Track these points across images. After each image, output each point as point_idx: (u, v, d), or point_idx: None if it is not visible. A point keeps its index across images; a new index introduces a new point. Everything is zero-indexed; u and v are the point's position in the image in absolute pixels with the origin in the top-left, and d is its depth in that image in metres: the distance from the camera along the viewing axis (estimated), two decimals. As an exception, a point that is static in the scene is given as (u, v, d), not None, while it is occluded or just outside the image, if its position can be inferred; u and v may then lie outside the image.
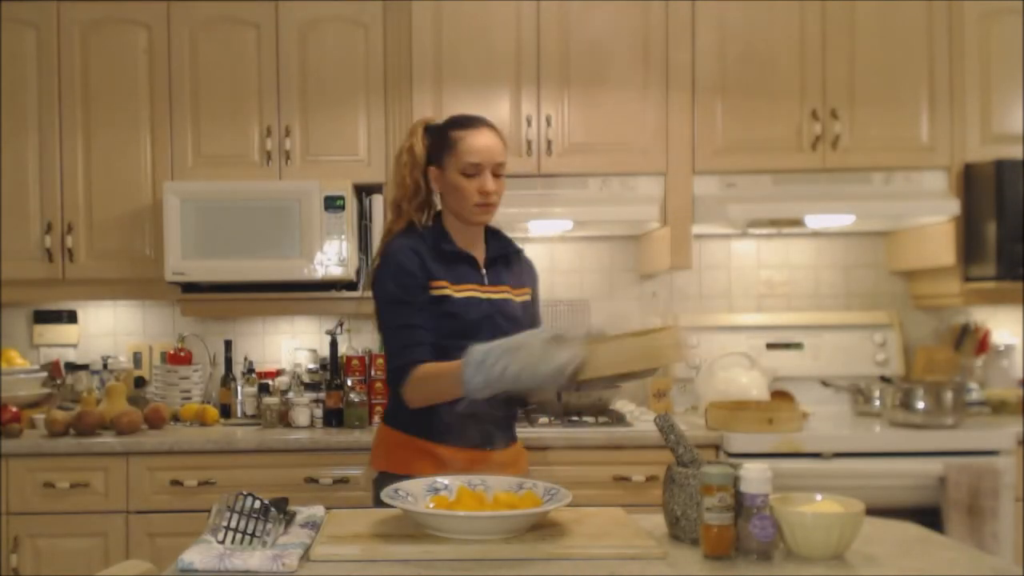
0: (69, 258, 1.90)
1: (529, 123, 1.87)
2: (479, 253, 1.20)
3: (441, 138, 1.17)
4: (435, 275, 1.13)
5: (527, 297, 1.23)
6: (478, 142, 1.15)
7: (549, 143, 1.86)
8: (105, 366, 2.03)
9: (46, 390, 1.94)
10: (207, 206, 1.83)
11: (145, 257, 1.90)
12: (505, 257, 1.22)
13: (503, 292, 1.18)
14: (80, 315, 2.12)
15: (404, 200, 1.18)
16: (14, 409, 1.76)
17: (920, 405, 1.73)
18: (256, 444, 1.70)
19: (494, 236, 1.23)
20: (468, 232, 1.19)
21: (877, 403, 1.91)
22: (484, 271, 1.19)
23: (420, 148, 1.18)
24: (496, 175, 1.16)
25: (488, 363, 0.97)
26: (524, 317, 1.19)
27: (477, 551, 0.80)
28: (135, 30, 1.90)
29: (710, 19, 1.87)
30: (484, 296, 1.16)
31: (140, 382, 2.01)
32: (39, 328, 2.10)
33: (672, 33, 1.86)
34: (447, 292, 1.13)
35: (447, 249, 1.16)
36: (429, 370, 1.08)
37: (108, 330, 2.13)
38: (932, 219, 1.93)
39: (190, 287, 1.90)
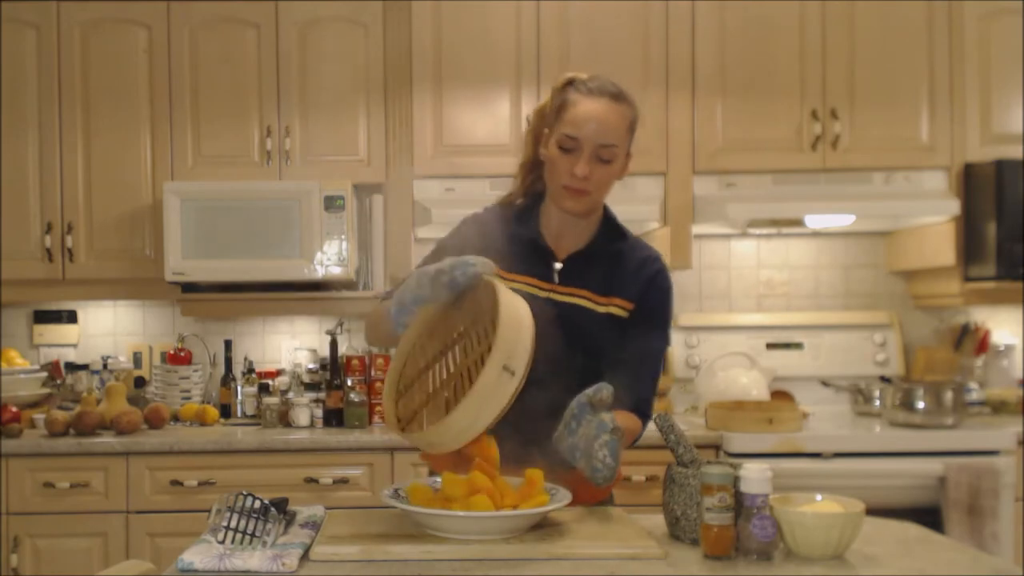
0: (69, 258, 1.89)
1: (529, 123, 1.86)
2: (567, 244, 0.99)
3: (560, 97, 0.97)
4: (490, 255, 0.90)
5: (617, 311, 0.97)
6: (585, 110, 0.93)
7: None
8: (105, 366, 2.03)
9: (46, 390, 1.94)
10: (207, 206, 1.83)
11: (145, 257, 1.90)
12: (604, 258, 0.98)
13: (576, 296, 0.97)
14: (80, 315, 2.12)
15: (520, 166, 1.02)
16: (14, 409, 1.76)
17: (920, 405, 1.72)
18: (256, 444, 1.70)
19: (607, 232, 1.00)
20: (564, 219, 0.98)
21: (877, 403, 1.91)
22: (558, 266, 0.98)
23: (549, 105, 0.98)
24: (602, 159, 0.94)
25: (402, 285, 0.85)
26: (607, 332, 0.96)
27: (477, 551, 0.79)
28: (135, 30, 1.90)
29: (710, 19, 1.87)
30: (543, 294, 0.96)
31: (140, 382, 2.01)
32: (39, 328, 2.10)
33: (672, 33, 1.86)
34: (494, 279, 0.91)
35: (521, 232, 0.98)
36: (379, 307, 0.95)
37: (108, 330, 2.13)
38: (932, 219, 1.93)
39: (190, 287, 1.90)
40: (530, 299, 0.90)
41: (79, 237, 1.90)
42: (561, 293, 0.98)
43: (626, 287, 0.99)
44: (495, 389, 0.77)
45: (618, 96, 0.97)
